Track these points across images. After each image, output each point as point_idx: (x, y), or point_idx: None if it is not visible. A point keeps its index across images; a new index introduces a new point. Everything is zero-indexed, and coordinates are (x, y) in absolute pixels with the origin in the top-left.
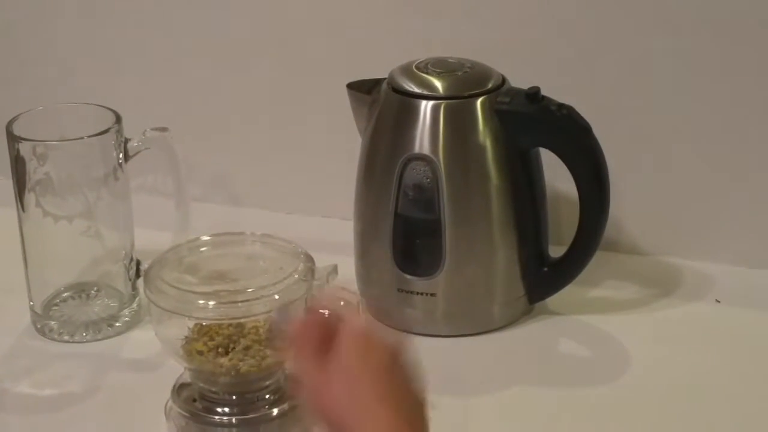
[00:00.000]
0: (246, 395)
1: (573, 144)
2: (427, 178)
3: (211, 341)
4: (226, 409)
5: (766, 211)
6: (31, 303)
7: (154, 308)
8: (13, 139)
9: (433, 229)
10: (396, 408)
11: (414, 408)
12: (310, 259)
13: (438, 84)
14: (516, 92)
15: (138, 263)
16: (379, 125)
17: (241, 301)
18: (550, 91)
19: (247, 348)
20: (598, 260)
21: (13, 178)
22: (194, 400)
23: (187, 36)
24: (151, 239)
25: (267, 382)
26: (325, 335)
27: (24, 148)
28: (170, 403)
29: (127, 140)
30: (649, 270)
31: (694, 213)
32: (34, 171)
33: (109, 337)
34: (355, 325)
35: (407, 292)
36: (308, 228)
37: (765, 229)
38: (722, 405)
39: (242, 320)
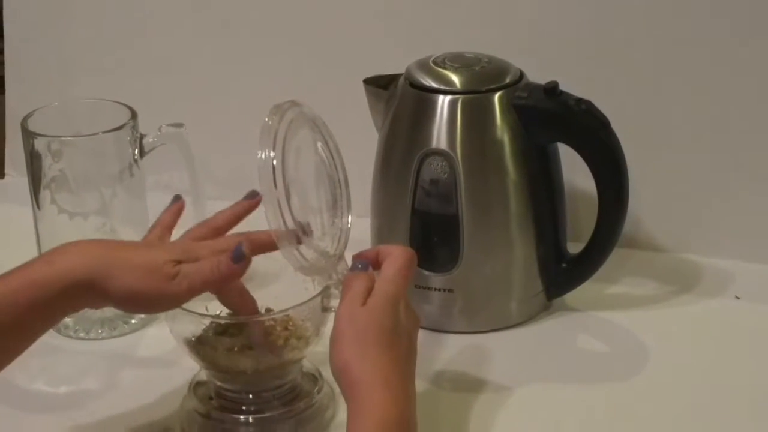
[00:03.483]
0: (262, 393)
1: (591, 139)
2: (444, 174)
3: (226, 340)
4: (243, 408)
5: None
6: None
7: None
8: (28, 135)
9: (451, 225)
10: (395, 361)
11: (408, 359)
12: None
13: (455, 79)
14: (534, 87)
15: None
16: (396, 121)
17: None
18: (569, 86)
19: (260, 348)
20: (616, 257)
21: (28, 175)
22: (210, 398)
23: (204, 32)
24: None
25: (283, 381)
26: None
27: (39, 144)
28: (186, 400)
29: (142, 136)
30: (667, 266)
31: (714, 209)
32: (49, 167)
33: (125, 334)
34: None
35: (424, 288)
36: None
37: None
38: (742, 401)
39: (257, 319)
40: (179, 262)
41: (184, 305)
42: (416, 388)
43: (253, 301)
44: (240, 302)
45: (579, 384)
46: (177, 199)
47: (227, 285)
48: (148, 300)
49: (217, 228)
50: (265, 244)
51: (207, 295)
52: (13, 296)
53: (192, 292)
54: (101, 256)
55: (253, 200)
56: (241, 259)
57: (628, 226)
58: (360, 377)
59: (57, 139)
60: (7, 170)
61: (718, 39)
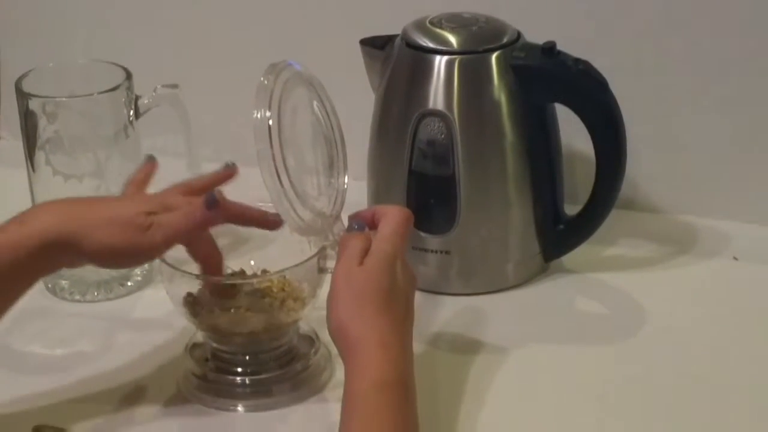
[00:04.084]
0: (259, 355)
1: (589, 99)
2: (441, 135)
3: (223, 301)
4: (239, 369)
5: None
6: None
7: (165, 267)
8: (23, 95)
9: (448, 186)
10: (392, 321)
11: (405, 319)
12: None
13: (452, 39)
14: (531, 47)
15: None
16: (392, 81)
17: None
18: (566, 46)
19: (258, 307)
20: (613, 218)
21: (23, 137)
22: (207, 360)
23: None
24: None
25: (280, 342)
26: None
27: (34, 105)
28: (182, 362)
29: (137, 97)
30: (665, 228)
31: (711, 170)
32: (44, 129)
33: (121, 296)
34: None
35: (421, 249)
36: None
37: None
38: (740, 361)
39: (253, 280)
40: (152, 213)
41: (182, 266)
42: (413, 350)
43: (219, 258)
44: (208, 256)
45: (576, 345)
46: (151, 159)
47: (200, 233)
48: (124, 254)
49: (192, 189)
50: (253, 218)
51: None
52: None
53: (167, 242)
54: (72, 215)
55: (228, 172)
56: (214, 204)
57: (625, 188)
58: (357, 337)
59: (52, 100)
60: (1, 133)
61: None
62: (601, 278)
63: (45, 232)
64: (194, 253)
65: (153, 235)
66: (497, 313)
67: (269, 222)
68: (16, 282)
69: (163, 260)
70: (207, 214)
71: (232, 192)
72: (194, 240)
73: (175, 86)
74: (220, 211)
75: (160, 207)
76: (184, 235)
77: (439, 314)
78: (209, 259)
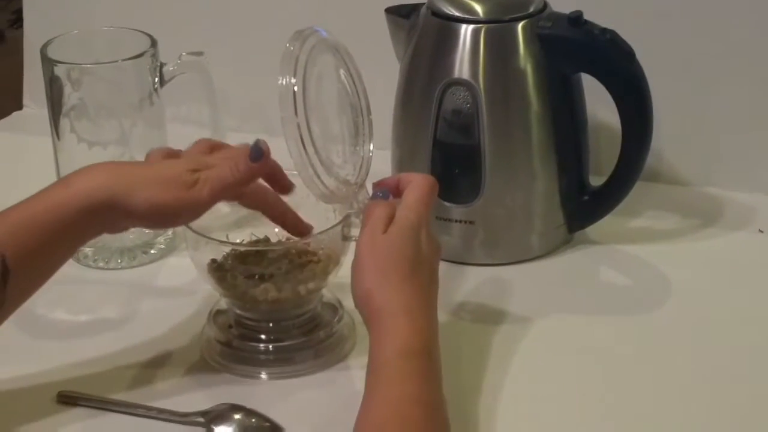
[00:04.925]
0: (282, 322)
1: (616, 69)
2: (467, 104)
3: (247, 268)
4: (262, 336)
5: None
6: None
7: (190, 233)
8: (48, 62)
9: (472, 156)
10: (417, 290)
11: (430, 287)
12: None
13: (478, 8)
14: (558, 16)
15: None
16: (417, 50)
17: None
18: (593, 15)
19: (282, 275)
20: (638, 190)
21: (48, 104)
22: (230, 327)
23: None
24: None
25: (303, 310)
26: (388, 214)
27: (59, 71)
28: (206, 329)
29: (162, 65)
30: (690, 200)
31: (737, 143)
32: (69, 96)
33: (144, 264)
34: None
35: (445, 219)
36: None
37: None
38: (764, 334)
39: (277, 247)
40: (196, 170)
41: (206, 233)
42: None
43: (279, 201)
44: (266, 203)
45: (600, 316)
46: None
47: (246, 186)
48: (172, 211)
49: (222, 145)
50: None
51: (228, 222)
52: (33, 220)
53: (214, 197)
54: (119, 175)
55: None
56: (259, 156)
57: (650, 159)
58: (382, 305)
59: (77, 66)
60: (25, 102)
61: None
62: (626, 250)
63: (92, 191)
64: (250, 205)
65: (200, 191)
66: (521, 284)
67: (284, 185)
68: (61, 244)
69: (188, 227)
70: (251, 166)
71: None
72: (244, 193)
73: (200, 53)
74: (264, 163)
75: (202, 165)
76: (230, 188)
77: (463, 284)
78: (269, 205)
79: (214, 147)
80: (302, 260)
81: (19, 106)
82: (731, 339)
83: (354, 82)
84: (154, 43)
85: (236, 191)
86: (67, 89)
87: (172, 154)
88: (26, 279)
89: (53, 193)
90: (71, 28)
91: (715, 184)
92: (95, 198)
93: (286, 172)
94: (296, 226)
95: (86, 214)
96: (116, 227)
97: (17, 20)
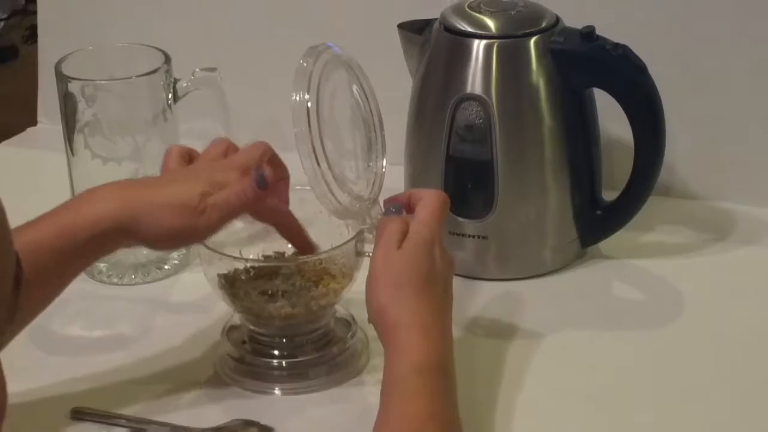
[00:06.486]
0: (296, 338)
1: (628, 84)
2: (479, 119)
3: (260, 283)
4: (276, 352)
5: None
6: None
7: (203, 249)
8: (62, 78)
9: (485, 171)
10: (431, 305)
11: (444, 302)
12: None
13: (491, 23)
14: (570, 32)
15: None
16: (430, 66)
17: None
18: (605, 30)
19: (296, 291)
20: (651, 204)
21: (62, 120)
22: (244, 342)
23: None
24: None
25: (316, 325)
26: (402, 230)
27: (73, 88)
28: (219, 344)
29: (176, 80)
30: (702, 214)
31: (750, 157)
32: (83, 112)
33: (158, 279)
34: (421, 227)
35: (458, 234)
36: None
37: None
38: None
39: (291, 263)
40: (207, 194)
41: (220, 249)
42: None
43: (290, 217)
44: (277, 218)
45: (613, 332)
46: None
47: (257, 207)
48: (182, 236)
49: (235, 164)
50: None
51: (241, 238)
52: (43, 242)
53: (223, 221)
54: (129, 200)
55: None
56: (264, 184)
57: (663, 174)
58: (397, 320)
59: (91, 82)
60: (39, 118)
61: None
62: (639, 264)
63: (102, 217)
64: (262, 219)
65: (209, 217)
66: (534, 299)
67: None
68: (71, 265)
69: (202, 243)
70: (259, 192)
71: None
72: (255, 210)
73: (213, 69)
74: (270, 189)
75: (212, 186)
76: (239, 213)
77: (477, 299)
78: (280, 220)
79: (229, 150)
80: (316, 276)
81: (33, 122)
82: (744, 353)
83: (367, 98)
84: (167, 59)
85: (246, 212)
86: (81, 105)
87: (190, 156)
88: (35, 300)
89: (64, 216)
90: (85, 44)
91: (727, 199)
92: (105, 224)
93: (299, 187)
94: (304, 246)
95: (96, 239)
96: (127, 247)
97: (32, 35)
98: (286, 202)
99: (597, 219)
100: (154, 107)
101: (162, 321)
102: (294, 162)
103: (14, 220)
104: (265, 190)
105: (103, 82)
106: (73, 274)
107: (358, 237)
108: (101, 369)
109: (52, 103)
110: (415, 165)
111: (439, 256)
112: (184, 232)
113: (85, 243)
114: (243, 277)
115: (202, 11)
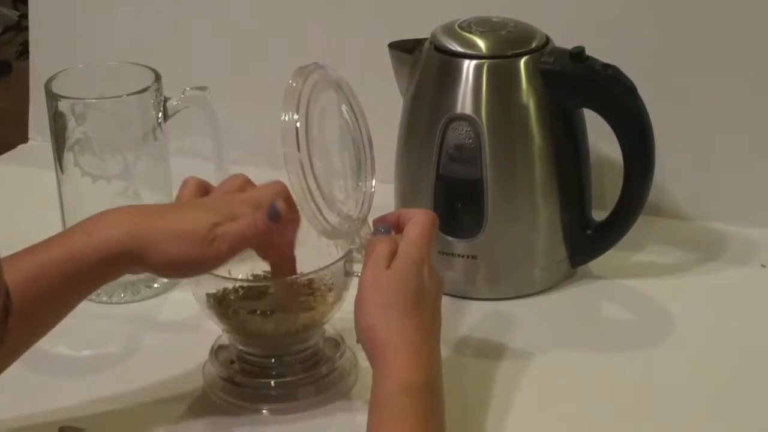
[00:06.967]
0: (284, 358)
1: (618, 104)
2: (469, 139)
3: (249, 303)
4: (264, 372)
5: None
6: None
7: None
8: (52, 97)
9: (475, 191)
10: (420, 325)
11: (432, 322)
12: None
13: (481, 43)
14: (560, 52)
15: None
16: (420, 85)
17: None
18: (595, 51)
19: (284, 310)
20: (640, 224)
21: (52, 138)
22: (232, 362)
23: None
24: None
25: (305, 345)
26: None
27: (63, 106)
28: (208, 364)
29: (166, 99)
30: (692, 235)
31: (740, 177)
32: (73, 130)
33: (147, 298)
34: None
35: (448, 254)
36: None
37: None
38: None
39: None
40: (218, 224)
41: None
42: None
43: (291, 261)
44: (278, 259)
45: (603, 352)
46: None
47: (264, 241)
48: (191, 265)
49: (251, 199)
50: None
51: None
52: (51, 266)
53: (232, 252)
54: (140, 226)
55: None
56: (276, 217)
57: (653, 194)
58: (386, 340)
59: (81, 101)
60: (30, 135)
61: (743, 3)
62: (629, 284)
63: (113, 244)
64: (264, 256)
65: (218, 247)
66: (524, 319)
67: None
68: (78, 291)
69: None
70: (270, 225)
71: None
72: (263, 245)
73: (203, 88)
74: (282, 222)
75: (224, 217)
76: (248, 244)
77: (466, 319)
78: (280, 260)
79: (245, 185)
80: (304, 296)
81: (24, 139)
82: (734, 374)
83: (356, 118)
84: (158, 77)
85: (254, 245)
86: (71, 123)
87: (205, 189)
88: (40, 322)
89: (75, 239)
90: (77, 61)
91: (717, 219)
92: (115, 249)
93: None
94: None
95: (105, 264)
96: (134, 272)
97: (25, 51)
98: (292, 245)
99: (587, 239)
100: (144, 126)
101: (151, 340)
102: (283, 181)
103: (4, 237)
104: (276, 223)
105: (93, 100)
106: (79, 298)
107: (347, 257)
108: (90, 388)
109: (43, 120)
110: (405, 184)
111: (428, 276)
112: (193, 261)
113: (95, 266)
114: (232, 297)
115: (193, 30)
